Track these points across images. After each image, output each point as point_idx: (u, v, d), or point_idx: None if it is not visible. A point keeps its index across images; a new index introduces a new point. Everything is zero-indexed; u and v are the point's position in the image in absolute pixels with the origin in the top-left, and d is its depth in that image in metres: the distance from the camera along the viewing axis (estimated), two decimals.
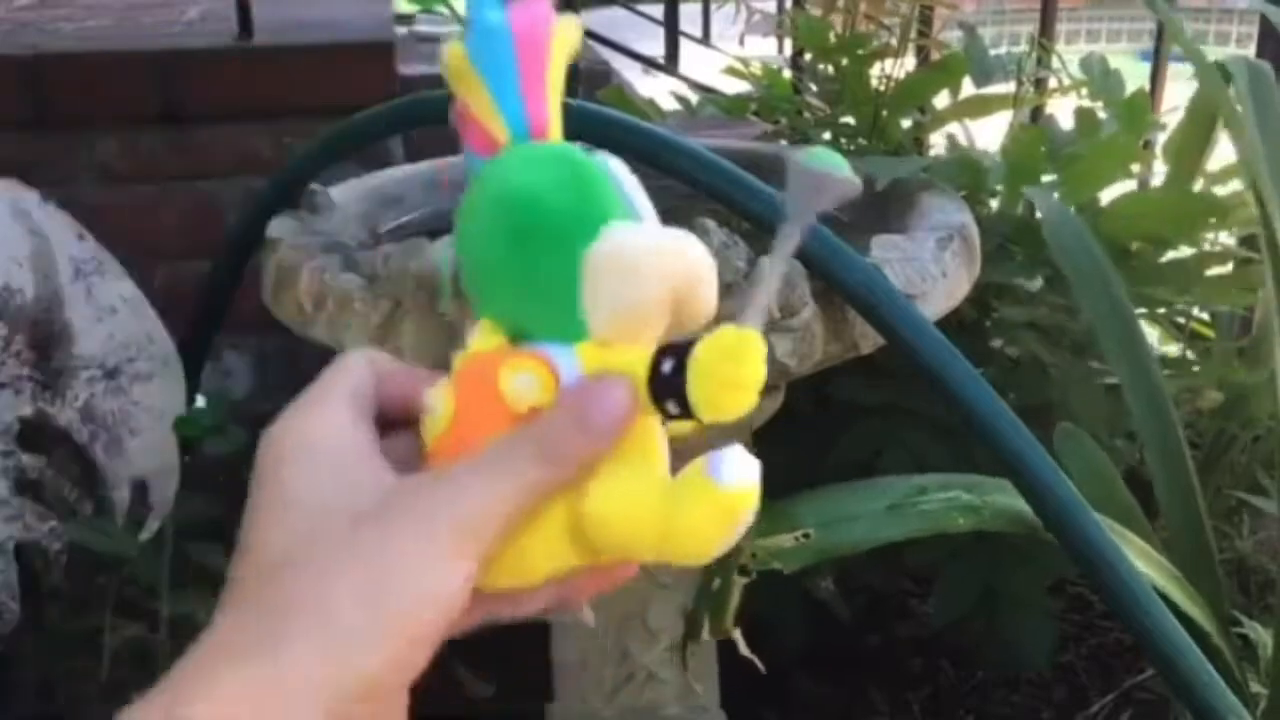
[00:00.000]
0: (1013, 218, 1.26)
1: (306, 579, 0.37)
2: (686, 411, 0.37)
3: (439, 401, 0.40)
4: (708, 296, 0.39)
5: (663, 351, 0.37)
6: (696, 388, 0.36)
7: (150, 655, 1.28)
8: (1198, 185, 1.31)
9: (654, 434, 0.40)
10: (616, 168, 0.41)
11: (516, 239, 0.39)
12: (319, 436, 0.40)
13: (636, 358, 0.38)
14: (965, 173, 1.18)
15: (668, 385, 0.37)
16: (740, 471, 0.38)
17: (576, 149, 0.41)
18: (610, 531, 0.39)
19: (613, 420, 0.38)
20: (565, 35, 0.41)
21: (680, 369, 0.37)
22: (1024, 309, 1.25)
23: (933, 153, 1.34)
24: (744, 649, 0.86)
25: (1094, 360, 1.28)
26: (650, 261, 0.38)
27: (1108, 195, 1.31)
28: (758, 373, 0.36)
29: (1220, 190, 1.32)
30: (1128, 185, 1.43)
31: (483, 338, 0.40)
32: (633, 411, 0.38)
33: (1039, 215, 1.30)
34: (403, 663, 0.38)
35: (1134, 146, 1.25)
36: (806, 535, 0.86)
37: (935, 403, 0.83)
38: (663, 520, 0.38)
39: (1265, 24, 1.44)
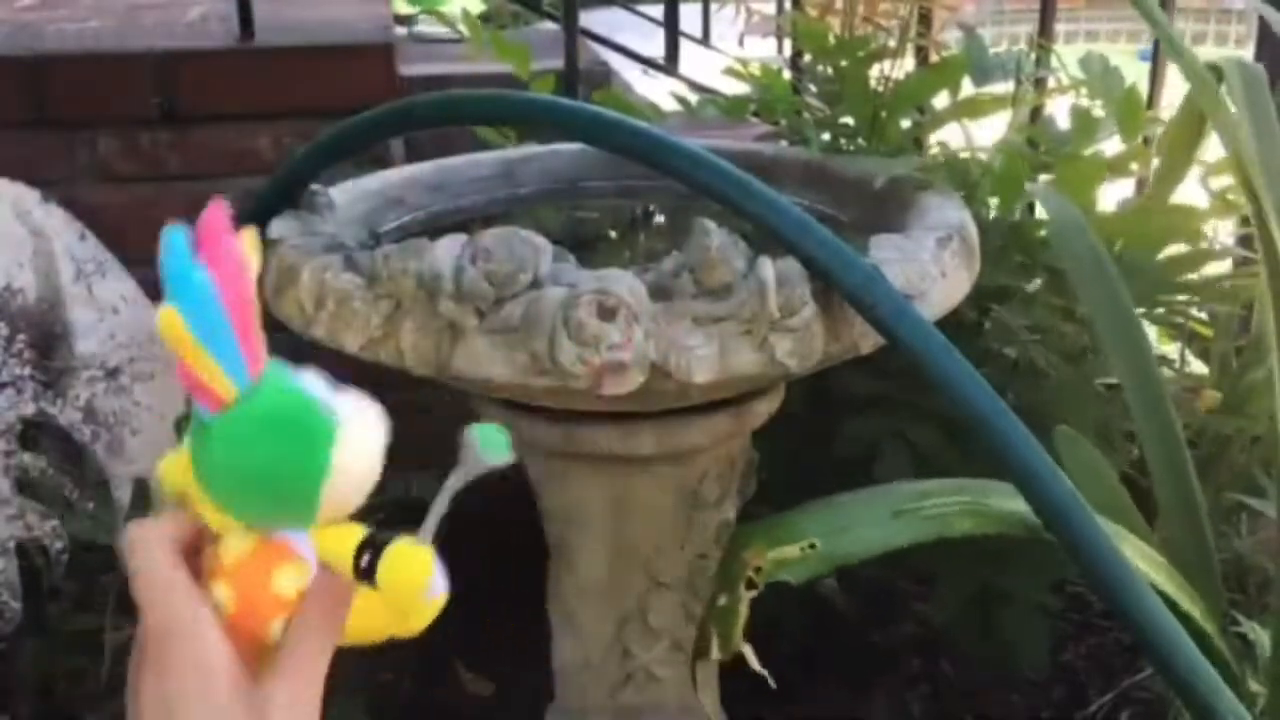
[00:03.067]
0: (1010, 220, 1.27)
1: None
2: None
3: (223, 598, 0.51)
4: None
5: (363, 546, 0.51)
6: (385, 585, 0.50)
7: None
8: (1195, 177, 1.32)
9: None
10: (313, 383, 0.52)
11: (262, 483, 0.50)
12: (205, 656, 0.50)
13: (346, 545, 0.51)
14: (954, 180, 1.19)
15: (366, 573, 0.50)
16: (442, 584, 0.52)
17: (282, 384, 0.51)
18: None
19: (347, 602, 0.52)
20: (252, 256, 0.49)
21: (373, 564, 0.50)
22: (1019, 312, 1.25)
23: (931, 154, 1.34)
24: (755, 663, 0.86)
25: (1092, 357, 1.28)
26: (366, 462, 0.51)
27: (1109, 196, 1.32)
28: (427, 576, 0.50)
29: (1216, 183, 1.32)
30: (1126, 184, 1.43)
31: (239, 537, 0.52)
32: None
33: (1037, 216, 1.30)
34: None
35: (1101, 163, 1.26)
36: (813, 545, 0.86)
37: (934, 397, 0.83)
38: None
39: (1263, 24, 1.44)
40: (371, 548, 0.51)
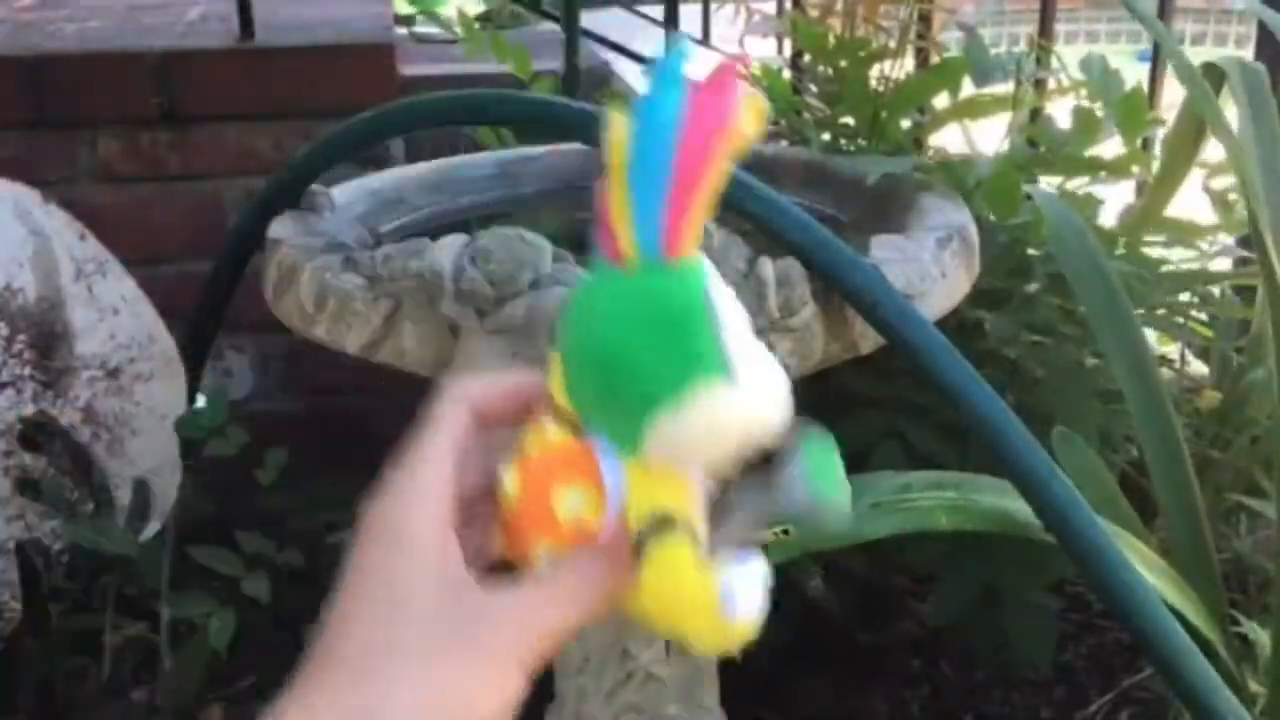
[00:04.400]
0: (1010, 221, 1.27)
1: (379, 688, 0.41)
2: None
3: (510, 484, 0.44)
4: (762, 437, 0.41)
5: (652, 519, 0.41)
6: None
7: (151, 655, 1.28)
8: (1197, 178, 1.32)
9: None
10: (714, 295, 0.40)
11: (602, 372, 0.41)
12: (407, 523, 0.43)
13: (676, 499, 0.41)
14: (950, 185, 1.19)
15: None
16: (748, 606, 0.43)
17: (688, 280, 0.40)
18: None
19: (618, 578, 0.44)
20: (747, 124, 0.39)
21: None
22: (1015, 316, 1.25)
23: (931, 154, 1.34)
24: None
25: (1091, 358, 1.28)
26: (736, 426, 0.40)
27: (1108, 195, 1.32)
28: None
29: (1217, 184, 1.32)
30: (1127, 184, 1.43)
31: (556, 423, 0.43)
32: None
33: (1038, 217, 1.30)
34: None
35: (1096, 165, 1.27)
36: (786, 531, 0.86)
37: (932, 398, 0.83)
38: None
39: (1263, 25, 1.44)
40: (655, 527, 0.40)
